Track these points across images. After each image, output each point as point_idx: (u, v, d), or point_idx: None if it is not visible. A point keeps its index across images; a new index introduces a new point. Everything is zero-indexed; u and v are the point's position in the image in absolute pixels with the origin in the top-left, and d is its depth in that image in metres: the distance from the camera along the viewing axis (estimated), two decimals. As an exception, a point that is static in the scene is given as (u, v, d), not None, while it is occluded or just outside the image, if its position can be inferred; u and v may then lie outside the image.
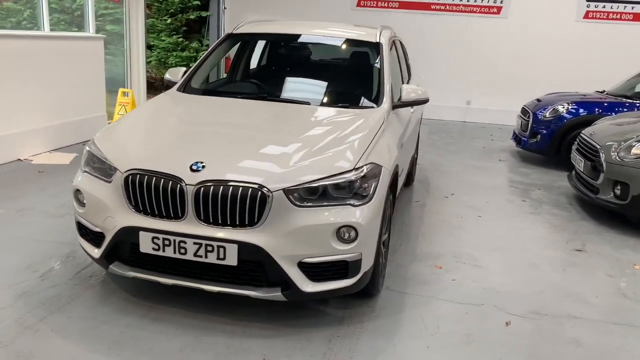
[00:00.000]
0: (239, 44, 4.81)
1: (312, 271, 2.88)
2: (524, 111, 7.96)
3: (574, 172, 5.83)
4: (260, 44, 5.04)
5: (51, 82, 6.60)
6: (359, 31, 4.51)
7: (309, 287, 2.89)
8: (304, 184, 2.82)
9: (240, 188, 2.75)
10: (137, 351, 2.76)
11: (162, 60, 11.78)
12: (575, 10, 10.84)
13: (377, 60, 4.18)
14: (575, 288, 3.81)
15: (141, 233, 2.85)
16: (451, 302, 3.50)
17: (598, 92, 7.97)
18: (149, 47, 11.35)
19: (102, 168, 3.06)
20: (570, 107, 7.28)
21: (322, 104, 3.84)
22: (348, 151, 3.07)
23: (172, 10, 11.74)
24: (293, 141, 3.16)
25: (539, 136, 7.42)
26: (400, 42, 5.57)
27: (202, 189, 2.77)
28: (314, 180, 2.84)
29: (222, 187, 2.76)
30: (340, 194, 2.90)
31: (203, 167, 2.82)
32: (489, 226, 4.96)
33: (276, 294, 2.87)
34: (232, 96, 4.00)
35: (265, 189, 2.75)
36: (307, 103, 3.86)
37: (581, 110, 7.24)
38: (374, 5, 11.48)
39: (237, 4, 11.91)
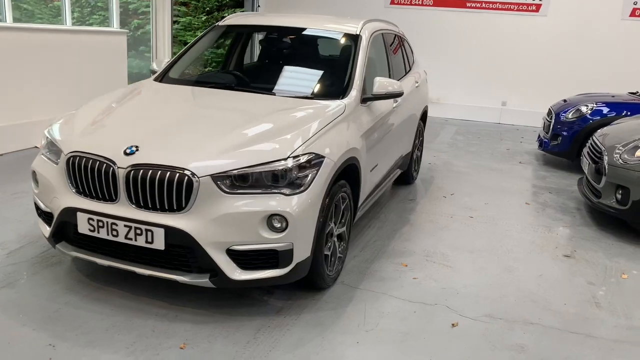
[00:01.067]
0: (233, 35, 4.87)
1: (241, 259, 2.87)
2: (549, 112, 7.61)
3: (584, 176, 5.52)
4: (254, 37, 5.05)
5: (72, 75, 6.90)
6: (340, 24, 4.45)
7: (238, 274, 2.88)
8: (233, 170, 2.81)
9: (168, 172, 2.78)
10: (66, 328, 2.84)
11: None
12: (621, 7, 10.25)
13: (352, 53, 4.10)
14: (545, 294, 3.60)
15: (79, 214, 2.93)
16: (403, 299, 3.39)
17: (631, 93, 7.50)
18: (185, 44, 11.67)
19: (53, 150, 3.18)
20: (594, 108, 6.89)
21: (287, 95, 3.81)
22: (288, 140, 3.03)
23: (208, 8, 12.00)
24: (236, 129, 3.16)
25: (560, 138, 7.07)
26: (399, 37, 5.45)
27: (132, 172, 2.82)
28: (244, 167, 2.83)
29: (150, 171, 2.80)
30: (273, 182, 2.87)
31: (136, 150, 2.87)
32: (477, 228, 4.77)
33: (204, 280, 2.87)
34: (202, 86, 4.04)
35: (192, 174, 2.76)
36: (273, 93, 3.85)
37: (606, 111, 6.85)
38: (408, 2, 11.30)
39: (272, 1, 12.03)
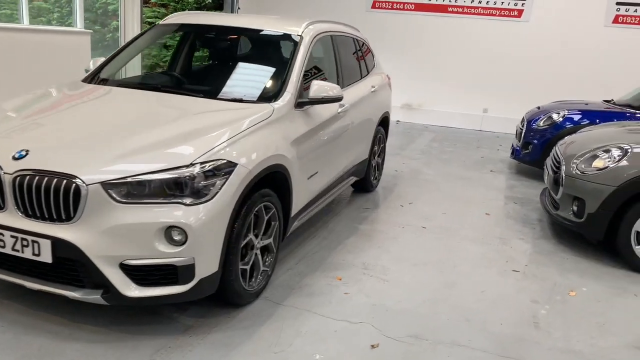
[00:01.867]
0: (180, 35, 4.67)
1: (137, 274, 2.66)
2: (522, 120, 7.40)
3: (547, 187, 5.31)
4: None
5: (26, 75, 6.68)
6: (283, 24, 4.24)
7: (133, 291, 2.66)
8: (127, 177, 2.60)
9: (55, 179, 2.57)
10: (-55, 346, 2.62)
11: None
12: (604, 14, 10.05)
13: (291, 55, 3.90)
14: (483, 313, 3.38)
15: (-33, 223, 2.71)
16: (326, 317, 3.17)
17: (606, 101, 7.29)
18: (165, 46, 11.47)
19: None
20: (566, 116, 6.69)
21: (214, 97, 3.59)
22: (195, 145, 2.82)
23: (187, 9, 11.81)
24: (142, 133, 2.95)
25: (530, 146, 6.85)
26: (355, 40, 5.25)
27: (19, 178, 2.61)
28: (139, 174, 2.62)
29: (37, 177, 2.59)
30: (174, 191, 2.66)
31: (26, 155, 2.66)
32: (427, 239, 4.55)
33: (95, 297, 2.66)
34: (128, 87, 3.83)
35: (79, 181, 2.55)
36: (200, 95, 3.64)
37: (577, 119, 6.63)
38: (389, 7, 11.11)
39: (252, 5, 11.85)
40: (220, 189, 2.75)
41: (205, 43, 4.55)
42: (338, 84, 4.39)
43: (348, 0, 11.30)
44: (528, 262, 4.23)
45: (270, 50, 4.27)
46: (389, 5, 11.12)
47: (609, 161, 4.28)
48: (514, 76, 10.53)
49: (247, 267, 3.13)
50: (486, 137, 10.05)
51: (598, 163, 4.34)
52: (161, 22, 4.45)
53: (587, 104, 7.14)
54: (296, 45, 3.97)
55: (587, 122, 6.55)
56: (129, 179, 2.60)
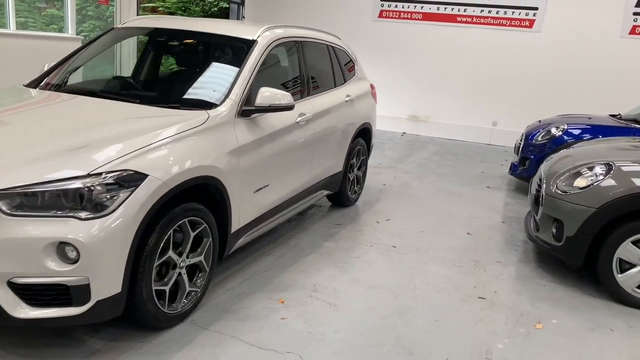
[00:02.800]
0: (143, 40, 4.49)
1: (27, 294, 2.44)
2: (522, 134, 7.02)
3: (535, 204, 4.94)
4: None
5: (19, 79, 6.62)
6: (239, 29, 4.01)
7: (23, 312, 2.44)
8: (16, 188, 2.39)
9: (-62, 189, 2.37)
10: None
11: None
12: (620, 24, 9.58)
13: (241, 60, 3.66)
14: (429, 345, 3.05)
15: None
16: (251, 345, 2.89)
17: (612, 115, 6.85)
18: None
19: None
20: (565, 130, 6.29)
21: (150, 103, 3.38)
22: (100, 154, 2.60)
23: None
24: (51, 141, 2.74)
25: (527, 162, 6.46)
26: (330, 47, 4.99)
27: None
28: (30, 185, 2.40)
29: None
30: (70, 202, 2.44)
31: None
32: (394, 259, 4.24)
33: (-20, 317, 2.44)
34: (66, 91, 3.63)
35: (-39, 191, 2.35)
36: (136, 101, 3.42)
37: (578, 133, 6.23)
38: (396, 16, 10.83)
39: (257, 14, 11.73)
40: (123, 202, 2.51)
41: (159, 47, 4.36)
42: (302, 92, 4.16)
43: (354, 10, 11.07)
44: (499, 288, 3.87)
45: (221, 55, 4.05)
46: (395, 14, 10.84)
47: (592, 179, 3.90)
48: (524, 88, 10.12)
49: (167, 288, 2.88)
50: (493, 151, 9.63)
51: (580, 181, 3.96)
52: (118, 26, 4.28)
53: (590, 118, 6.72)
54: (248, 50, 3.73)
55: (589, 137, 6.15)
56: (19, 189, 2.39)
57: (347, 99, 4.99)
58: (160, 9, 12.00)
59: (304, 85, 4.32)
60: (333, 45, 5.09)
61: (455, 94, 10.64)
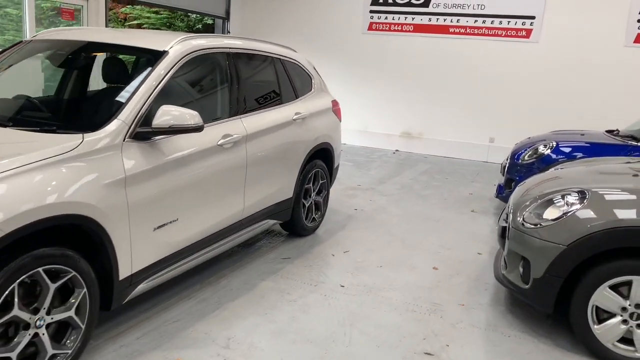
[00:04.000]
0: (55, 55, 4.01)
1: None
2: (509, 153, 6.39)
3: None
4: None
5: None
6: (149, 40, 3.51)
7: None
8: None
9: None
10: None
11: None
12: (624, 32, 8.92)
13: (143, 75, 3.15)
14: (345, 423, 2.45)
15: None
16: None
17: (608, 131, 6.19)
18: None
19: None
20: (555, 148, 5.65)
21: (24, 126, 2.87)
22: None
23: (178, 34, 11.37)
24: None
25: (513, 184, 5.82)
26: (276, 60, 4.47)
27: None
28: None
29: None
30: None
31: None
32: (335, 304, 3.64)
33: None
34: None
35: None
36: (9, 124, 2.92)
37: (568, 152, 5.60)
38: (386, 29, 10.32)
39: (244, 29, 11.32)
40: None
41: (61, 62, 3.87)
42: (231, 111, 3.64)
43: (342, 23, 10.59)
44: (453, 339, 3.26)
45: (125, 69, 3.54)
46: (385, 26, 10.33)
47: (564, 209, 3.28)
48: (523, 102, 9.49)
49: (14, 354, 2.34)
50: (489, 169, 8.99)
51: (551, 212, 3.34)
52: (26, 38, 3.81)
53: (583, 134, 6.08)
54: (155, 63, 3.22)
55: (581, 155, 5.51)
56: None
57: (296, 117, 4.45)
58: (144, 25, 11.68)
59: (234, 102, 3.78)
60: (282, 58, 4.56)
61: (450, 109, 10.05)
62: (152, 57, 3.30)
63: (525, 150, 5.89)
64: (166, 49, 3.31)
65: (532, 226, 3.32)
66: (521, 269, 3.39)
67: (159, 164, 3.01)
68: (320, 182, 5.03)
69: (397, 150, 10.38)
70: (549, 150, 5.66)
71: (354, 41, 10.57)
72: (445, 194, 7.05)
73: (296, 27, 10.94)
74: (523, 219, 3.41)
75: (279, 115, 4.27)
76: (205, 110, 3.47)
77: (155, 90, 3.09)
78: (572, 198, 3.29)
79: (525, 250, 3.33)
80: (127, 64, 3.62)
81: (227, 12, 10.86)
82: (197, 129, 3.04)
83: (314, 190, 4.93)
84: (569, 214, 3.20)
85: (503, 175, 6.16)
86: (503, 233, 3.71)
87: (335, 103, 5.31)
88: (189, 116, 3.00)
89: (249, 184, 3.84)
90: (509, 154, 6.18)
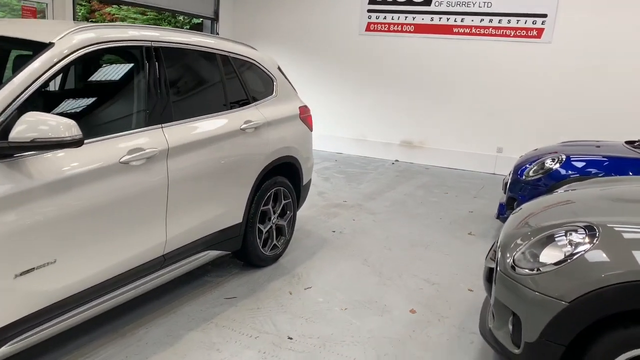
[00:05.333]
0: None
1: None
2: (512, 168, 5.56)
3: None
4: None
5: None
6: (35, 29, 2.80)
7: None
8: None
9: None
10: None
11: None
12: (647, 31, 8.02)
13: (13, 73, 2.43)
14: None
15: None
16: None
17: (629, 142, 5.33)
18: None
19: None
20: (564, 162, 4.82)
21: None
22: None
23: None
24: None
25: (516, 203, 5.00)
26: (224, 58, 3.71)
27: None
28: None
29: None
30: None
31: None
32: (277, 354, 2.86)
33: None
34: None
35: None
36: None
37: (580, 167, 4.76)
38: (385, 29, 9.54)
39: (234, 31, 10.63)
40: None
41: None
42: (146, 119, 2.90)
43: (338, 23, 9.85)
44: (418, 423, 2.45)
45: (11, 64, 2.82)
46: (384, 27, 9.55)
47: (566, 251, 2.46)
48: (534, 109, 8.63)
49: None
50: (496, 182, 8.11)
51: (551, 253, 2.53)
52: None
53: (599, 146, 5.23)
54: (32, 58, 2.49)
55: (596, 171, 4.68)
56: None
57: (245, 126, 3.69)
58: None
59: (152, 109, 3.04)
60: (231, 56, 3.81)
61: (454, 115, 9.22)
62: (32, 50, 2.57)
63: (530, 164, 5.05)
64: (52, 41, 2.58)
65: (526, 272, 2.51)
66: (511, 327, 2.58)
67: (22, 189, 2.27)
68: (284, 202, 4.26)
69: (396, 161, 9.58)
70: (557, 165, 4.82)
71: (351, 43, 9.81)
72: (442, 212, 6.23)
73: (289, 28, 10.23)
74: (513, 260, 2.60)
75: (221, 123, 3.51)
76: (104, 118, 2.75)
77: (25, 93, 2.36)
78: (578, 235, 2.47)
79: (515, 303, 2.52)
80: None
81: (216, 13, 10.19)
82: (73, 143, 2.30)
83: (274, 213, 4.16)
84: (573, 258, 2.39)
85: (505, 192, 5.33)
86: (490, 276, 2.90)
87: (304, 110, 4.54)
88: (63, 127, 2.26)
89: (174, 211, 3.09)
90: (512, 169, 5.35)
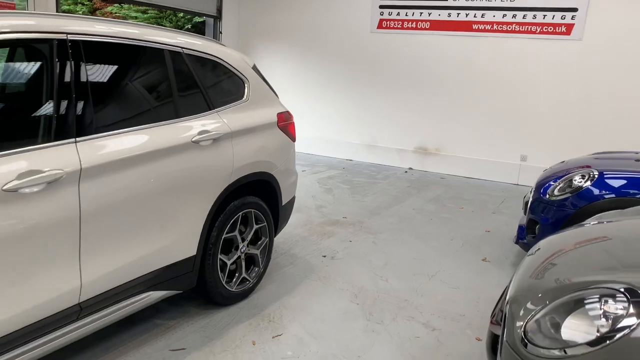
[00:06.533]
0: None
1: None
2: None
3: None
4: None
5: None
6: None
7: None
8: None
9: None
10: None
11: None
12: (692, 26, 7.12)
13: None
14: None
15: None
16: None
17: (675, 154, 4.50)
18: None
19: None
20: (597, 179, 4.02)
21: None
22: None
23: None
24: None
25: (538, 228, 4.23)
26: (172, 53, 3.05)
27: None
28: None
29: None
30: None
31: None
32: None
33: None
34: None
35: None
36: None
37: (619, 186, 3.96)
38: (399, 26, 8.79)
39: (239, 30, 10.02)
40: None
41: None
42: (55, 132, 2.25)
43: (349, 21, 9.14)
44: None
45: None
46: (398, 24, 8.80)
47: (603, 326, 1.72)
48: (563, 113, 7.78)
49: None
50: (519, 195, 7.32)
51: (580, 326, 1.79)
52: None
53: (639, 160, 4.41)
54: None
55: (635, 191, 3.87)
56: None
57: (199, 137, 3.02)
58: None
59: (62, 119, 2.38)
60: (185, 52, 3.14)
61: (473, 120, 8.42)
62: None
63: (556, 181, 4.26)
64: None
65: (543, 351, 1.77)
66: None
67: None
68: (256, 226, 3.58)
69: (409, 169, 8.82)
70: (588, 183, 4.03)
71: (362, 41, 9.09)
72: (454, 231, 5.47)
73: (296, 26, 9.56)
74: (525, 331, 1.87)
75: (164, 136, 2.84)
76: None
77: None
78: (617, 305, 1.73)
79: (527, 398, 1.78)
80: None
81: (219, 11, 9.58)
82: None
83: (243, 240, 3.48)
84: (614, 339, 1.64)
85: (525, 213, 4.55)
86: (495, 345, 2.16)
87: (284, 116, 3.85)
88: None
89: (90, 248, 2.43)
90: (533, 186, 4.57)
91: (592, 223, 2.85)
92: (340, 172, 8.16)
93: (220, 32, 9.66)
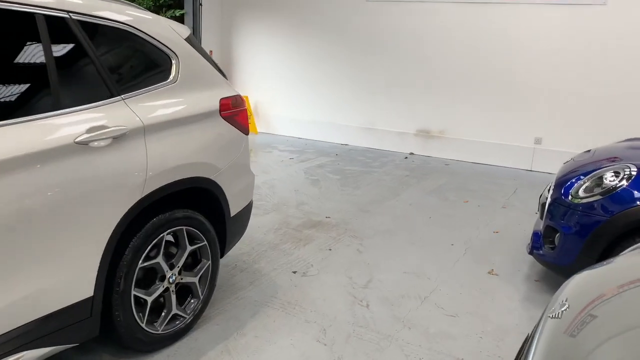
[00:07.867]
0: None
1: None
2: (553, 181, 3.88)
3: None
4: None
5: None
6: None
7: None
8: None
9: None
10: None
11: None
12: None
13: None
14: None
15: None
16: None
17: None
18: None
19: None
20: (634, 177, 3.13)
21: None
22: None
23: (144, 7, 9.23)
24: None
25: (558, 237, 3.35)
26: (44, 16, 2.18)
27: None
28: None
29: None
30: None
31: None
32: None
33: None
34: None
35: None
36: None
37: (661, 188, 3.06)
38: (397, -7, 7.80)
39: (221, 3, 9.09)
40: None
41: None
42: None
43: (340, -13, 8.16)
44: None
45: None
46: (396, -9, 7.81)
47: None
48: (584, 89, 6.82)
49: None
50: (533, 184, 6.43)
51: None
52: None
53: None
54: None
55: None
56: None
57: (87, 137, 2.17)
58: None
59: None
60: (79, 19, 2.28)
61: (481, 98, 7.49)
62: None
63: (581, 178, 3.37)
64: None
65: None
66: None
67: None
68: (191, 247, 2.75)
69: (410, 154, 7.94)
70: (624, 182, 3.14)
71: (357, 12, 8.13)
72: (456, 232, 4.61)
73: (285, -4, 8.62)
74: None
75: (27, 136, 1.99)
76: None
77: None
78: None
79: None
80: None
81: (199, -20, 8.64)
82: None
83: (172, 267, 2.65)
84: None
85: (541, 217, 3.68)
86: None
87: (230, 102, 2.98)
88: None
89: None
90: (552, 182, 3.68)
91: (633, 251, 1.99)
92: (331, 160, 7.30)
93: (201, 4, 8.74)
